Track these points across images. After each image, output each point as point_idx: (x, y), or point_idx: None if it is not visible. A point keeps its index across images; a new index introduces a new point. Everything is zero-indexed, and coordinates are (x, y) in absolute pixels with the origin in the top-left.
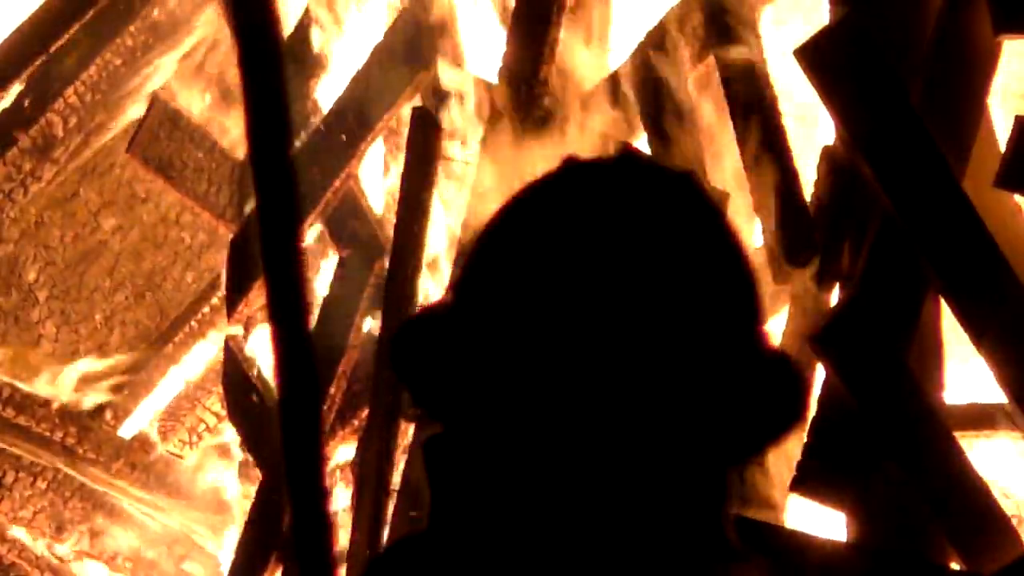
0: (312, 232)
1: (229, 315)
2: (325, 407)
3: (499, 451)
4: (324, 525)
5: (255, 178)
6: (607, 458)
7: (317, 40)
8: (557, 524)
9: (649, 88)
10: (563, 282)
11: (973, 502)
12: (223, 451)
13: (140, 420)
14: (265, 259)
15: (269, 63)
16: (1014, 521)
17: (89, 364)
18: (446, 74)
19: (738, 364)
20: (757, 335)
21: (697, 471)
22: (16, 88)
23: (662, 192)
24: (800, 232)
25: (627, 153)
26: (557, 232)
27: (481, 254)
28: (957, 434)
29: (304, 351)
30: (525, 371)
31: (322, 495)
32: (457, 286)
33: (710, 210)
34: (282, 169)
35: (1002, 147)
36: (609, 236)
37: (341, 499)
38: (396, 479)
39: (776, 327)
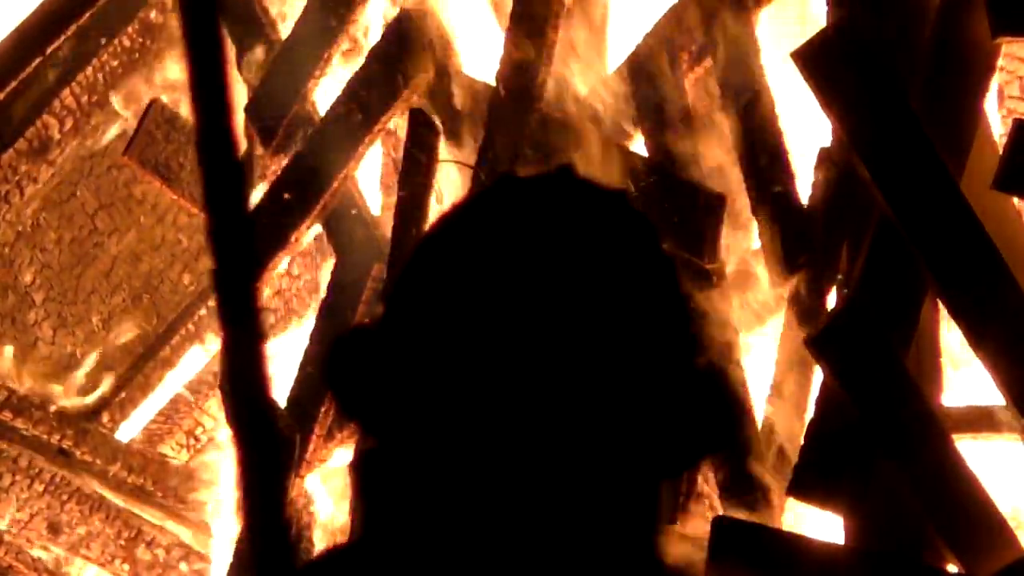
0: (310, 234)
1: None
2: (323, 410)
3: (428, 465)
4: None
5: (210, 235)
6: (537, 475)
7: (314, 41)
8: (486, 540)
9: (646, 90)
10: (492, 297)
11: (971, 505)
12: (221, 454)
13: (137, 423)
14: (222, 318)
15: (224, 126)
16: (1011, 524)
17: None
18: (444, 76)
19: (668, 379)
20: (687, 352)
21: (629, 487)
22: (12, 89)
23: (594, 210)
24: (798, 234)
25: (562, 169)
26: (487, 247)
27: (412, 268)
28: (955, 436)
29: (265, 415)
30: (453, 385)
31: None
32: (388, 301)
33: (643, 228)
34: (240, 225)
35: (1000, 149)
36: (540, 252)
37: (339, 502)
38: None
39: (774, 330)
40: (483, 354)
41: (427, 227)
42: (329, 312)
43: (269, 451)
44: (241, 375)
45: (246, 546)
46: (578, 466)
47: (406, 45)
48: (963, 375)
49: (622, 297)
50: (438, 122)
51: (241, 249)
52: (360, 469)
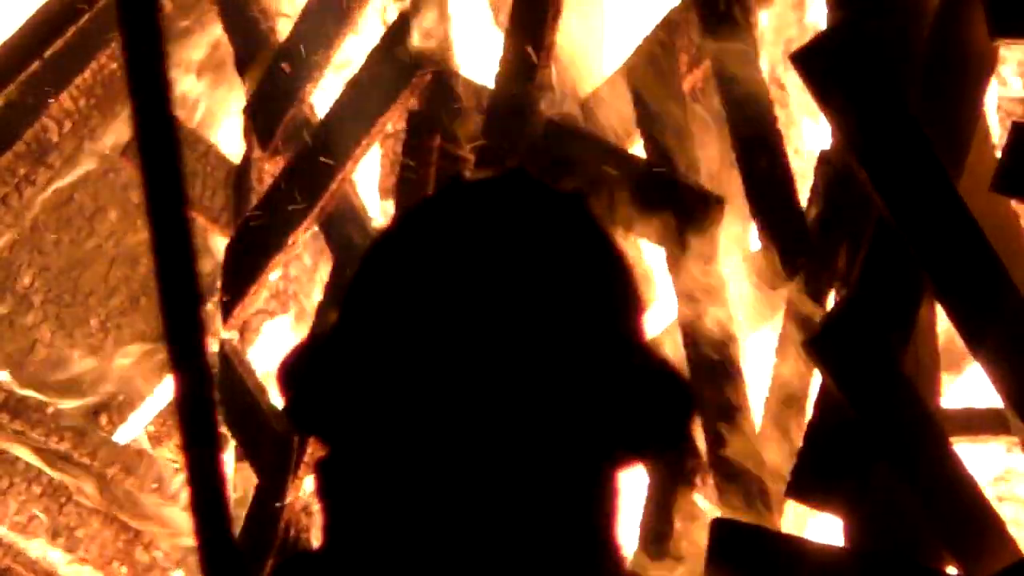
0: (308, 236)
1: (224, 319)
2: None
3: (382, 468)
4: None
5: (160, 290)
6: (494, 476)
7: (312, 43)
8: (441, 542)
9: (645, 92)
10: (441, 300)
11: (968, 507)
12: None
13: (136, 425)
14: (172, 362)
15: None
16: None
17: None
18: (442, 78)
19: (619, 377)
20: (639, 353)
21: (585, 483)
22: (10, 92)
23: (547, 211)
24: (796, 236)
25: (515, 171)
26: (438, 249)
27: (362, 272)
28: (953, 439)
29: (213, 445)
30: (404, 389)
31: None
32: (340, 307)
33: (595, 230)
34: (187, 278)
35: (998, 152)
36: (489, 255)
37: None
38: None
39: (773, 332)
40: (433, 358)
41: (381, 230)
42: (325, 316)
43: (218, 482)
44: (192, 417)
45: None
46: (533, 465)
47: (404, 47)
48: (960, 377)
49: (573, 300)
50: (436, 124)
51: (189, 295)
52: (321, 475)
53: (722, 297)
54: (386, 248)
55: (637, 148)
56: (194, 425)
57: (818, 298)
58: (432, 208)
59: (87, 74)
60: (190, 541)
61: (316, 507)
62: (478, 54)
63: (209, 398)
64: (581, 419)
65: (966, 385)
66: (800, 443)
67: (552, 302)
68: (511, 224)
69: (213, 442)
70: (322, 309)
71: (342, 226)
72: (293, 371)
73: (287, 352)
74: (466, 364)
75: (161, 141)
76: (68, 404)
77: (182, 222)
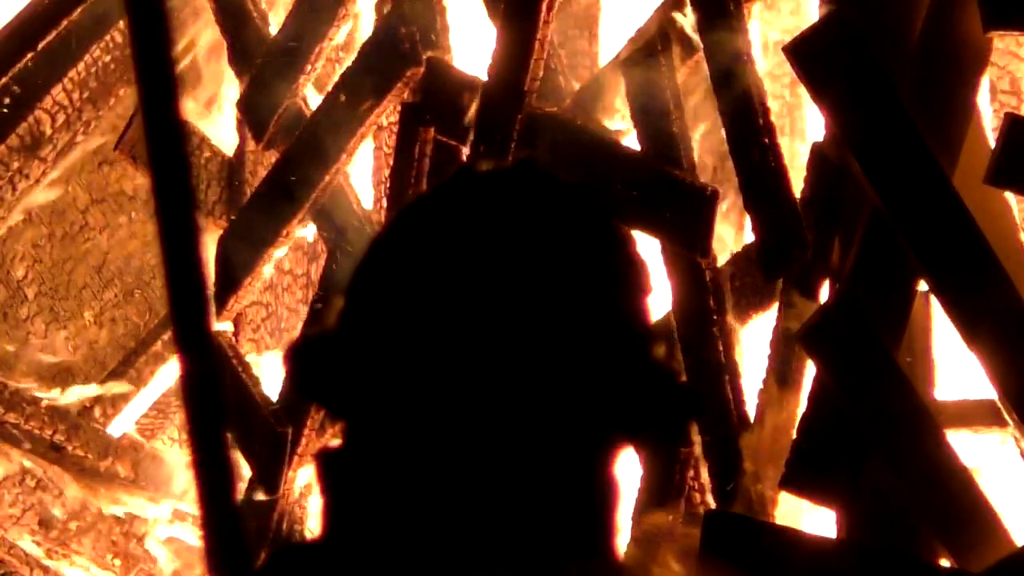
0: (302, 228)
1: (218, 312)
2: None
3: (384, 456)
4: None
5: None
6: (499, 465)
7: (306, 35)
8: (447, 529)
9: (639, 84)
10: (450, 287)
11: (962, 499)
12: None
13: (129, 417)
14: (177, 344)
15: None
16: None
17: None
18: (435, 70)
19: (623, 365)
20: (644, 343)
21: (578, 469)
22: (3, 85)
23: (555, 201)
24: (790, 228)
25: (523, 161)
26: (447, 237)
27: (371, 259)
28: (947, 430)
29: (221, 440)
30: (411, 375)
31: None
32: (348, 292)
33: (603, 220)
34: (195, 257)
35: (992, 144)
36: (499, 243)
37: None
38: None
39: (767, 324)
40: (440, 345)
41: (389, 218)
42: (320, 307)
43: (225, 475)
44: (199, 401)
45: (209, 555)
46: (533, 451)
47: (398, 39)
48: (954, 369)
49: (580, 288)
50: (430, 116)
51: (196, 279)
52: (323, 464)
53: (718, 289)
54: (396, 235)
55: (631, 140)
56: (200, 409)
57: (812, 290)
58: (442, 197)
59: (80, 67)
60: (184, 534)
61: (313, 497)
62: (472, 46)
63: (217, 380)
64: (583, 406)
65: (960, 376)
66: (794, 435)
67: (560, 290)
68: (520, 213)
69: (220, 427)
70: (316, 299)
71: (336, 219)
72: (302, 358)
73: (295, 340)
74: (471, 352)
75: (168, 129)
76: (62, 397)
77: (188, 207)
